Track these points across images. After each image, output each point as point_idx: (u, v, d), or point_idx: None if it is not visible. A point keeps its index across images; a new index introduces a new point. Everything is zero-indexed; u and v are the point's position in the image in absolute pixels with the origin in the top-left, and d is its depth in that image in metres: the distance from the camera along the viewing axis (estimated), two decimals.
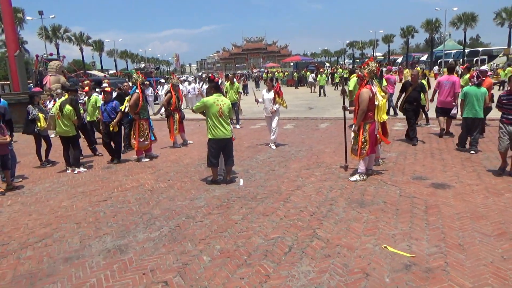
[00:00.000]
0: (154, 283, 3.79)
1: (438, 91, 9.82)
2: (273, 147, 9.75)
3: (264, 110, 9.73)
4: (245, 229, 4.93)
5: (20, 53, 17.82)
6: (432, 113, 10.92)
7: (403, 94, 9.70)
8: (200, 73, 65.45)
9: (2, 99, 9.75)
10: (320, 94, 25.80)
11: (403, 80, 34.69)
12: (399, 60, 72.65)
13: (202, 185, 6.93)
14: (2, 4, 16.73)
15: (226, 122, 6.71)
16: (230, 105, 6.98)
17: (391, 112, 13.72)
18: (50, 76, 16.41)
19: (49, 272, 4.13)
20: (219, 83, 15.15)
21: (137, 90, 8.91)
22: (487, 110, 9.15)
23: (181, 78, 26.70)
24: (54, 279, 3.96)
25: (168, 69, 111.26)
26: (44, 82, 17.15)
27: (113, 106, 8.95)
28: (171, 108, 10.23)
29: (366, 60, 7.10)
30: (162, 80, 21.90)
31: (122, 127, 9.63)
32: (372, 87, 6.64)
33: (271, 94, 9.43)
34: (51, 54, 27.56)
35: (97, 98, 10.44)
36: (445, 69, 14.99)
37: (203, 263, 4.11)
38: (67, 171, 8.46)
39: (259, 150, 9.59)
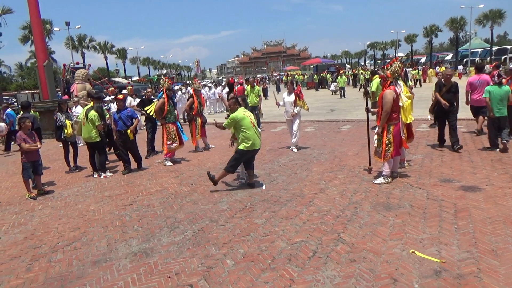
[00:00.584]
0: (180, 286, 3.82)
1: (470, 91, 9.54)
2: (295, 150, 9.68)
3: (285, 113, 9.71)
4: (268, 233, 4.92)
5: (49, 62, 18.40)
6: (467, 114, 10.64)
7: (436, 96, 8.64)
8: (220, 78, 65.96)
9: (10, 109, 10.04)
10: (341, 96, 25.66)
11: (427, 81, 33.71)
12: (423, 60, 71.12)
13: (225, 189, 6.96)
14: (32, 16, 17.34)
15: (259, 132, 6.88)
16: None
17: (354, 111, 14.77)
18: (77, 84, 16.83)
19: (79, 274, 4.22)
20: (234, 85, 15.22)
21: (163, 96, 9.15)
22: None
23: (202, 83, 27.09)
24: (84, 282, 4.05)
25: (189, 75, 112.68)
26: (71, 90, 17.60)
27: (129, 114, 8.80)
28: (193, 113, 10.34)
29: (388, 61, 7.02)
30: (177, 87, 22.04)
31: (137, 134, 9.70)
32: (396, 88, 6.53)
33: (292, 97, 9.40)
34: (77, 63, 28.35)
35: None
36: (471, 68, 14.63)
37: (227, 267, 4.12)
38: (94, 176, 8.66)
39: (281, 153, 9.56)
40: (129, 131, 8.65)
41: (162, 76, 60.79)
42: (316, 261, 4.10)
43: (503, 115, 8.08)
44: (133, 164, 9.08)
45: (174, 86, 15.87)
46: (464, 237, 4.37)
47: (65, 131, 9.10)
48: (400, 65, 6.75)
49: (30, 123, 7.65)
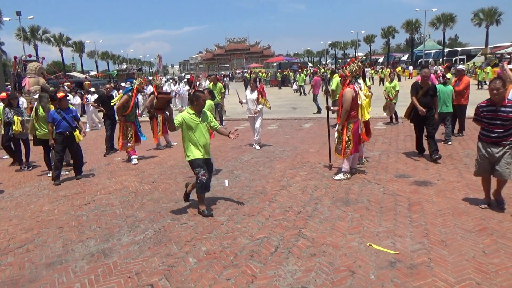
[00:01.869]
0: (140, 286, 3.74)
1: None
2: (257, 147, 9.75)
3: (248, 110, 9.73)
4: (231, 230, 4.92)
5: None
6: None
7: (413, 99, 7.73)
8: (183, 74, 65.03)
9: None
10: (300, 94, 26.24)
11: (386, 80, 34.96)
12: (381, 60, 73.70)
13: None
14: None
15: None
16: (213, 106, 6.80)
17: (315, 109, 16.04)
18: (29, 78, 16.01)
19: (32, 278, 4.04)
20: (197, 84, 15.10)
21: (129, 93, 8.90)
22: (462, 107, 9.50)
23: (163, 79, 26.75)
24: (37, 285, 3.87)
25: (150, 70, 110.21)
26: (23, 84, 16.71)
27: (74, 115, 7.79)
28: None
29: (348, 60, 7.21)
30: (123, 84, 21.54)
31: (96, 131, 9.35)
32: (355, 86, 6.72)
33: (255, 95, 9.46)
34: (29, 56, 26.86)
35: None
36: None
37: (189, 265, 4.09)
38: (48, 175, 8.28)
39: (244, 151, 9.59)
40: (77, 132, 7.69)
41: (115, 71, 59.02)
42: (278, 256, 4.15)
43: (446, 111, 8.77)
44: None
45: (146, 88, 15.37)
46: (417, 229, 4.59)
47: (13, 127, 8.65)
48: (359, 64, 6.95)
49: None
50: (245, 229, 4.93)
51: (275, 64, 56.38)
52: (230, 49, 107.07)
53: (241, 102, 9.96)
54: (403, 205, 5.41)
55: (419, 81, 7.84)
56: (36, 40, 58.91)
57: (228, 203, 5.91)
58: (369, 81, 25.11)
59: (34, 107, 8.27)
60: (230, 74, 65.60)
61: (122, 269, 4.09)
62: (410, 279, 3.57)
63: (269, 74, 45.68)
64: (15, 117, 8.67)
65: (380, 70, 36.91)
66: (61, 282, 3.92)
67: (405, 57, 69.35)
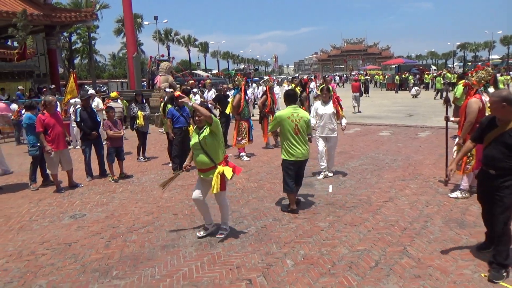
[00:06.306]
0: (239, 279, 3.97)
1: None
2: (330, 174, 7.73)
3: (320, 129, 7.50)
4: (331, 238, 4.88)
5: (137, 55, 19.94)
6: None
7: None
8: (297, 74, 65.81)
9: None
10: (441, 97, 24.64)
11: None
12: None
13: None
14: (125, 12, 18.90)
15: (303, 141, 5.75)
16: (309, 119, 5.87)
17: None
18: (160, 76, 18.01)
19: (149, 256, 4.58)
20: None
21: (240, 92, 9.51)
22: None
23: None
24: (153, 264, 4.39)
25: (266, 70, 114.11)
26: (155, 81, 18.89)
27: (187, 113, 8.32)
28: (266, 110, 10.52)
29: (478, 64, 6.49)
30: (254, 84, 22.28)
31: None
32: (483, 97, 6.05)
33: (330, 108, 7.42)
34: (162, 56, 30.18)
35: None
36: None
37: (287, 267, 4.19)
38: (169, 165, 9.21)
39: (351, 157, 9.36)
40: (190, 128, 8.24)
41: (233, 70, 62.38)
42: (378, 272, 4.00)
43: None
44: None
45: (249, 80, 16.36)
46: None
47: (137, 121, 9.76)
48: (490, 71, 6.21)
49: (114, 113, 8.40)
50: (345, 238, 4.84)
51: (393, 66, 53.43)
52: (346, 50, 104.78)
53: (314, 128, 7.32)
54: None
55: None
56: (169, 41, 65.72)
57: (330, 209, 5.85)
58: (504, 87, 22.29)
59: (163, 104, 9.27)
60: (345, 76, 64.15)
61: (225, 261, 4.38)
62: None
63: (386, 76, 43.43)
64: (139, 112, 9.81)
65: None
66: (172, 264, 4.37)
67: None
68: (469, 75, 6.32)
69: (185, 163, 5.26)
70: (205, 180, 4.98)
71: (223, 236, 4.98)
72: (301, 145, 5.69)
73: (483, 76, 6.05)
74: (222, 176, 4.75)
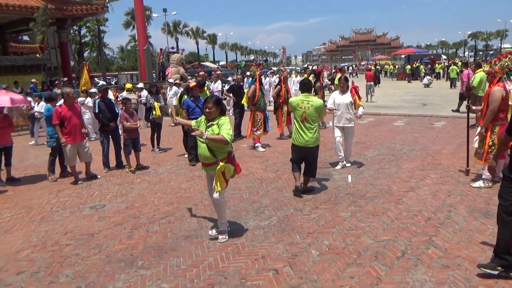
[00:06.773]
0: (265, 269, 3.96)
1: None
2: (348, 164, 7.66)
3: (336, 118, 7.43)
4: (354, 228, 4.85)
5: (148, 47, 19.91)
6: None
7: None
8: (305, 65, 65.35)
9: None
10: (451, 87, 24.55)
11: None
12: None
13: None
14: (136, 4, 18.83)
15: (309, 129, 5.89)
16: (320, 106, 5.97)
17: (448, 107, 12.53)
18: (172, 67, 17.99)
19: (173, 247, 4.59)
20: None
21: (255, 83, 9.45)
22: None
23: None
24: (178, 254, 4.40)
25: (274, 61, 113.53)
26: (166, 73, 18.87)
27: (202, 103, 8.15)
28: (280, 100, 10.44)
29: (491, 53, 6.33)
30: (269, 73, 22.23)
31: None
32: (506, 85, 5.92)
33: (348, 97, 7.34)
34: (172, 48, 30.15)
35: None
36: None
37: (312, 257, 4.16)
38: (185, 155, 9.21)
39: (368, 147, 9.27)
40: None
41: (243, 62, 62.19)
42: (405, 262, 3.96)
43: None
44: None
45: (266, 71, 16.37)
46: None
47: (153, 112, 9.74)
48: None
49: (131, 104, 8.39)
50: (369, 228, 4.80)
51: (403, 56, 52.77)
52: (355, 40, 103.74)
53: (331, 110, 7.43)
54: None
55: None
56: (177, 34, 65.50)
57: (351, 199, 5.81)
58: None
59: (179, 95, 9.25)
60: (353, 66, 63.52)
61: (249, 251, 4.37)
62: None
63: (397, 66, 42.93)
64: (155, 103, 9.80)
65: None
66: (197, 254, 4.37)
67: None
68: (492, 63, 6.18)
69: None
70: (209, 175, 4.76)
71: (225, 239, 4.64)
72: (305, 132, 5.91)
73: (506, 64, 5.92)
74: (223, 174, 4.52)
